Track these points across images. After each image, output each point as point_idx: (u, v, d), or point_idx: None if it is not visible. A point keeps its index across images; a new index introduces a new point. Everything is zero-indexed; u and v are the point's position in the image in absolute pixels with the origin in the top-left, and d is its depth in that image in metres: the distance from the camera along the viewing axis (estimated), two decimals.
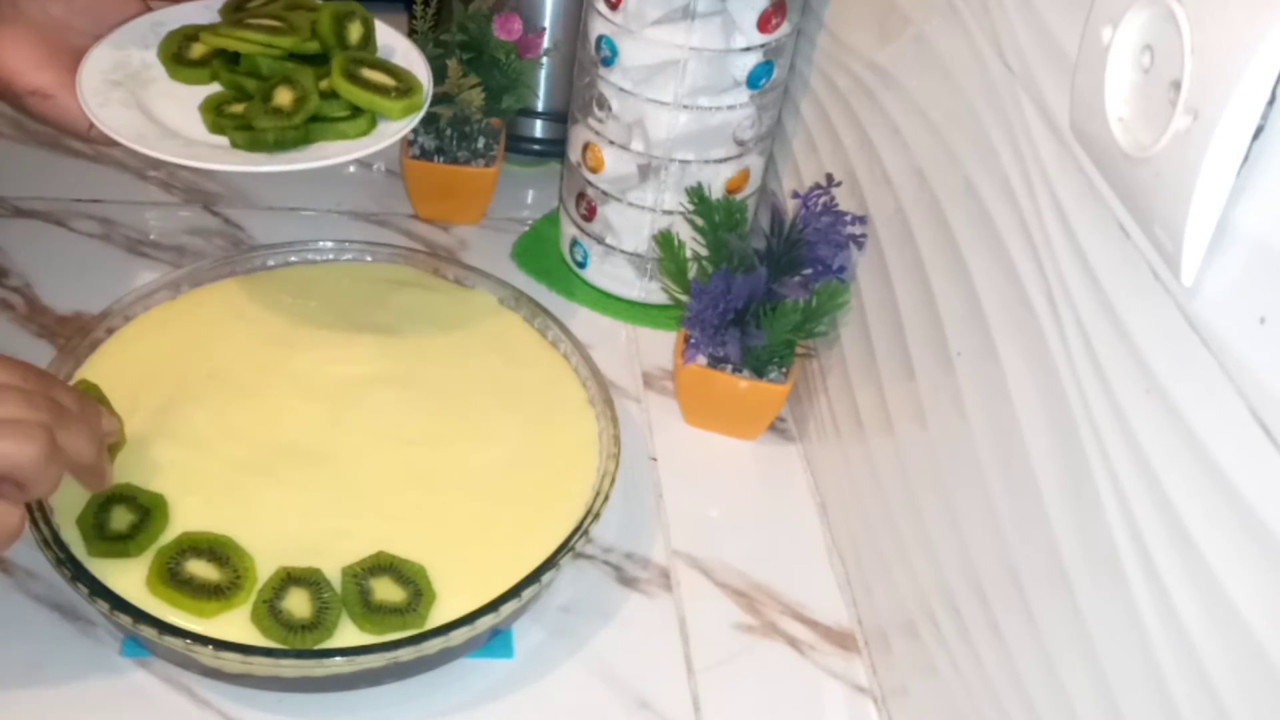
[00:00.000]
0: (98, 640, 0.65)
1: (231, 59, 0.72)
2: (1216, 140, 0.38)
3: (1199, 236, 0.40)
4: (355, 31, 0.73)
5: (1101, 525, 0.46)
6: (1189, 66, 0.39)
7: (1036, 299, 0.52)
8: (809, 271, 0.76)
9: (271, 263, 0.82)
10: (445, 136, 0.92)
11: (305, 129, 0.68)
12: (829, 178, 0.76)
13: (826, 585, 0.74)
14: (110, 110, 0.68)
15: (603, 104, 0.83)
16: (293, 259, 0.83)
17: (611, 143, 0.84)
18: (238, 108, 0.69)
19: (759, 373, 0.79)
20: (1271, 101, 0.37)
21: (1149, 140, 0.42)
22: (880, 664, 0.69)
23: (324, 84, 0.70)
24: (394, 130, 0.70)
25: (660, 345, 0.88)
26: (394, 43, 0.76)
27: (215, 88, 0.72)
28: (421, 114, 0.71)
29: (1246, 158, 0.38)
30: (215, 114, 0.69)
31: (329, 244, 0.84)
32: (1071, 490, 0.49)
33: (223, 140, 0.68)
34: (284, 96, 0.69)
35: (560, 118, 0.95)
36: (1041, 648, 0.51)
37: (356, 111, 0.70)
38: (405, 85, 0.71)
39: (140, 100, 0.70)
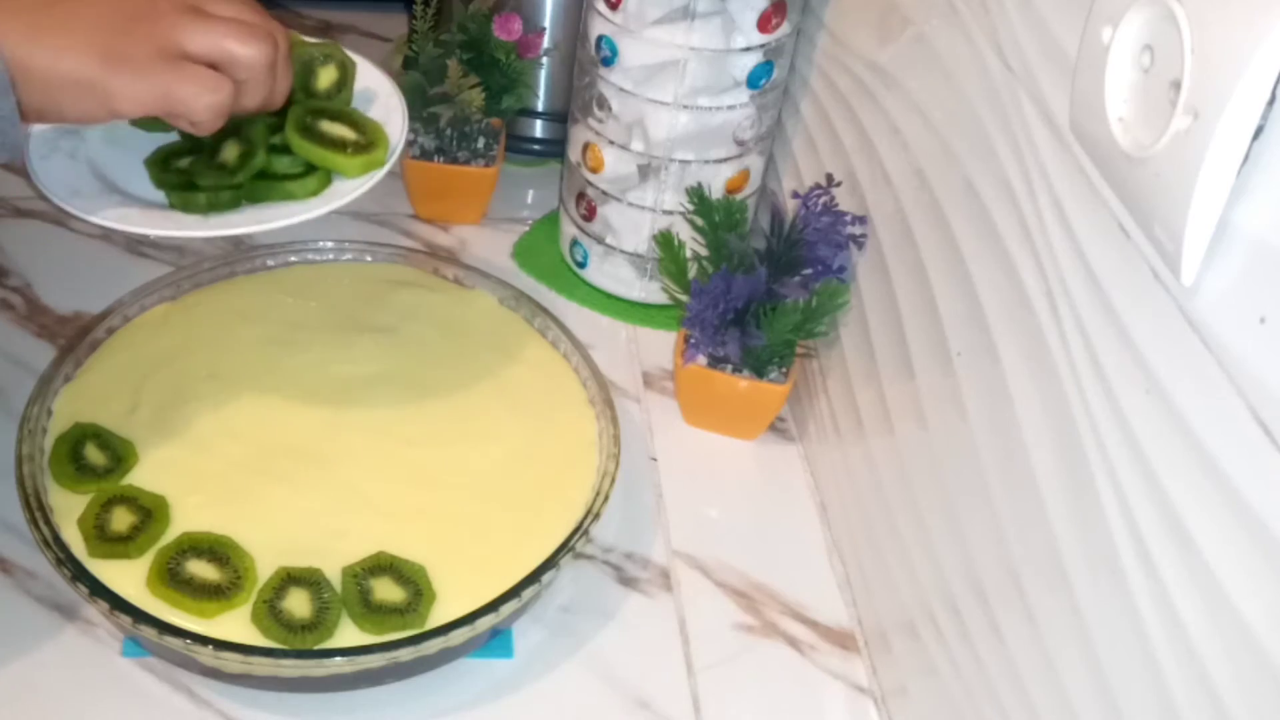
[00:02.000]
0: (98, 640, 0.65)
1: None
2: (1216, 140, 0.38)
3: (1199, 236, 0.40)
4: (326, 77, 0.68)
5: (1101, 525, 0.46)
6: (1189, 66, 0.39)
7: (1036, 299, 0.52)
8: (809, 271, 0.76)
9: (271, 263, 0.82)
10: (445, 136, 0.92)
11: (250, 187, 0.64)
12: (829, 178, 0.76)
13: (826, 585, 0.74)
14: (52, 163, 0.64)
15: (603, 104, 0.83)
16: (293, 259, 0.83)
17: (611, 143, 0.84)
18: (186, 161, 0.66)
19: (759, 373, 0.79)
20: (1271, 101, 0.37)
21: (1149, 140, 0.42)
22: (880, 664, 0.69)
23: (277, 138, 0.65)
24: (349, 189, 0.65)
25: (660, 345, 0.88)
26: (378, 87, 0.71)
27: (174, 136, 0.68)
28: (384, 172, 0.66)
29: (1246, 158, 0.38)
30: (161, 168, 0.66)
31: (329, 244, 0.83)
32: (1071, 490, 0.49)
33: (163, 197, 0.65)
34: (231, 151, 0.64)
35: (560, 118, 0.95)
36: (1041, 648, 0.51)
37: (310, 168, 0.65)
38: (367, 140, 0.66)
39: (90, 149, 0.66)
